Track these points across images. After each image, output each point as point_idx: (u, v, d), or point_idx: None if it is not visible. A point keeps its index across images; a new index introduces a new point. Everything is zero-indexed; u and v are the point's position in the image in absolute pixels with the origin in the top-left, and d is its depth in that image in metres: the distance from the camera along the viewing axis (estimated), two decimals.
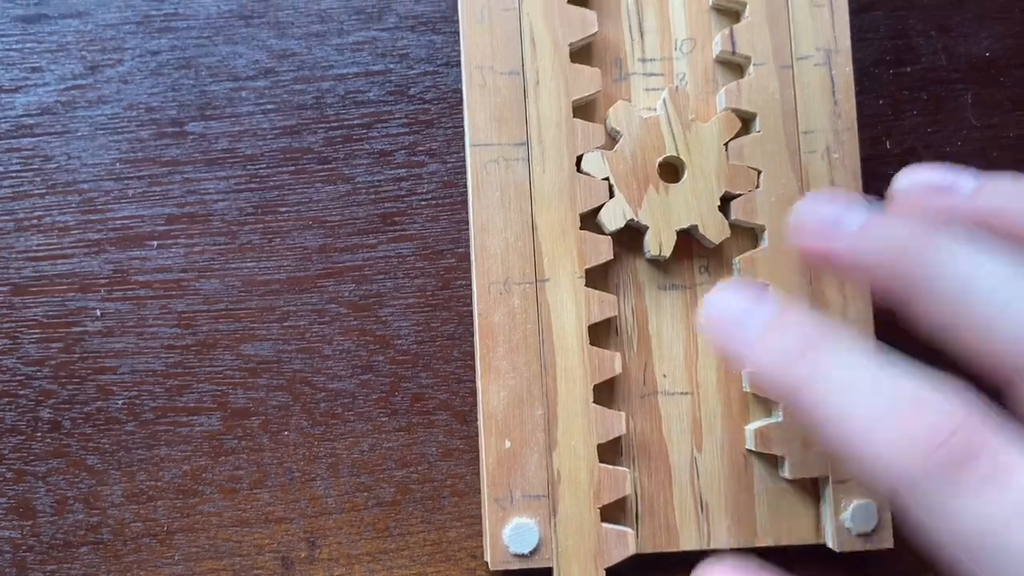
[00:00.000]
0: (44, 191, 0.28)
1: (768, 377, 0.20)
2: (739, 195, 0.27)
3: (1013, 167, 0.30)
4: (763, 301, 0.21)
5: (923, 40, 0.30)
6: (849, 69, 0.28)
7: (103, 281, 0.28)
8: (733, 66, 0.29)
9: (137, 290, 0.28)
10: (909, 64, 0.30)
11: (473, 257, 0.27)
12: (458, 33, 0.28)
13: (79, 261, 0.28)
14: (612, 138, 0.28)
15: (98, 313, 0.28)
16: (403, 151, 0.29)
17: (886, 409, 0.18)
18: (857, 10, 0.30)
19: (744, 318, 0.21)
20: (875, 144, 0.30)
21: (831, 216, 0.21)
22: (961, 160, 0.30)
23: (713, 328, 0.22)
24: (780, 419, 0.27)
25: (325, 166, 0.29)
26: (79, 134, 0.28)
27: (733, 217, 0.27)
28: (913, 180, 0.23)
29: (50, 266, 0.28)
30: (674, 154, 0.27)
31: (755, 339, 0.21)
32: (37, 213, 0.28)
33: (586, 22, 0.28)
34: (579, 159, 0.27)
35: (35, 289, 0.28)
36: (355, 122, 0.29)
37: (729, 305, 0.21)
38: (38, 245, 0.28)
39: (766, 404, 0.27)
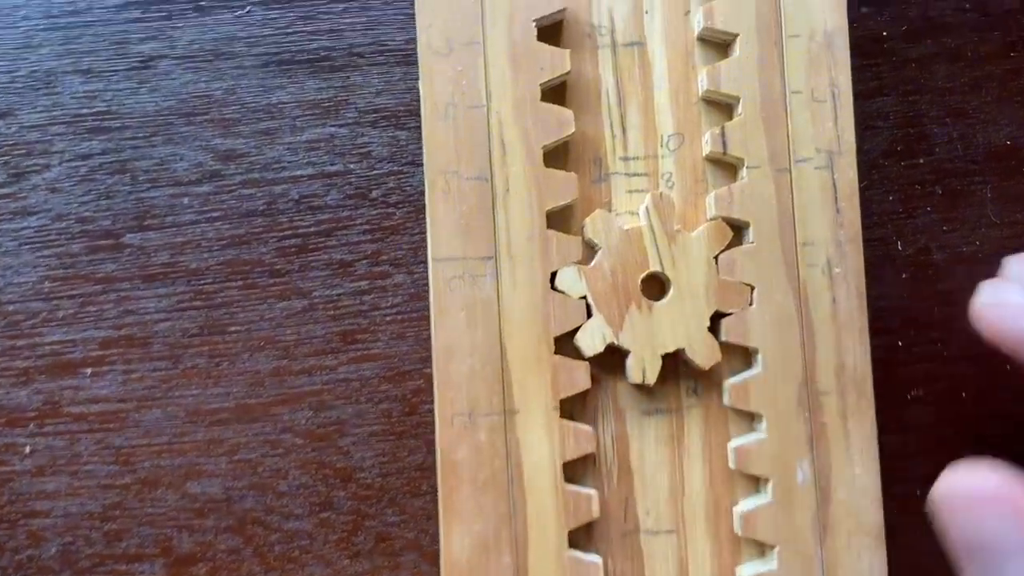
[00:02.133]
0: None
1: None
2: (730, 313, 0.25)
3: None
4: None
5: (937, 128, 0.27)
6: (853, 173, 0.25)
7: (32, 414, 0.25)
8: (725, 165, 0.26)
9: (70, 423, 0.25)
10: (922, 155, 0.27)
11: (435, 385, 0.24)
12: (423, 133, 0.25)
13: (5, 392, 0.25)
14: (590, 250, 0.25)
15: (27, 450, 0.25)
16: (365, 261, 0.26)
17: None
18: (864, 95, 0.27)
19: None
20: (883, 245, 0.27)
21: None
22: (980, 260, 0.27)
23: (991, 316, 0.21)
24: (775, 567, 0.24)
25: (278, 280, 0.26)
26: (2, 250, 0.26)
27: (723, 337, 0.25)
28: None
29: None
30: (658, 269, 0.25)
31: None
32: None
33: (562, 121, 0.25)
34: (553, 275, 0.25)
35: None
36: (311, 230, 0.26)
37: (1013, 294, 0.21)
38: None
39: (759, 547, 0.25)
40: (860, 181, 0.26)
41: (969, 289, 0.26)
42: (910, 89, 0.27)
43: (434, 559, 0.26)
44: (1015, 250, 0.27)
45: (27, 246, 0.26)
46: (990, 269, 0.27)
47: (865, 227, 0.27)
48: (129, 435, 0.25)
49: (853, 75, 0.27)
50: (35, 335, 0.26)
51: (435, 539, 0.26)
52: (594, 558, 0.24)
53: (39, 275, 0.26)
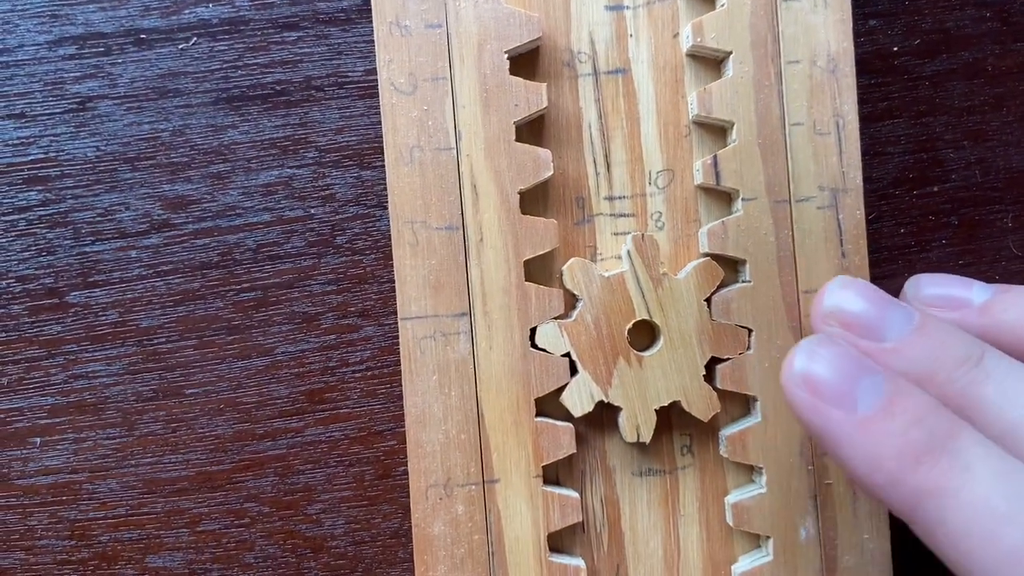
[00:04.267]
0: None
1: (869, 485, 0.17)
2: (727, 359, 0.23)
3: None
4: (870, 371, 0.18)
5: (953, 152, 0.25)
6: (860, 212, 0.22)
7: None
8: (719, 200, 0.24)
9: (20, 497, 0.24)
10: (936, 182, 0.25)
11: (408, 456, 0.22)
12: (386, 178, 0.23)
13: None
14: (572, 301, 0.23)
15: None
16: (331, 313, 0.24)
17: None
18: (873, 118, 0.25)
19: (842, 390, 0.18)
20: (894, 283, 0.25)
21: (865, 318, 0.19)
22: None
23: (796, 394, 0.18)
24: None
25: (236, 337, 0.24)
26: None
27: (719, 385, 0.23)
28: (923, 292, 0.22)
29: None
30: (645, 317, 0.23)
31: (855, 430, 0.17)
32: None
33: (539, 163, 0.22)
34: (533, 331, 0.23)
35: None
36: (270, 281, 0.24)
37: (823, 365, 0.18)
38: None
39: None
40: (868, 213, 0.24)
41: None
42: (923, 110, 0.25)
43: None
44: None
45: None
46: None
47: (874, 263, 0.25)
48: (83, 508, 0.24)
49: (860, 96, 0.24)
50: None
51: None
52: None
53: None
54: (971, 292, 0.22)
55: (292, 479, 0.24)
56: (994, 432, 0.18)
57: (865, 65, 0.25)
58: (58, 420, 0.24)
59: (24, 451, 0.24)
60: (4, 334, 0.24)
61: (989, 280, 0.25)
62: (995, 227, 0.25)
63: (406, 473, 0.24)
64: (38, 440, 0.24)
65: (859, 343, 0.19)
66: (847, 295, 0.20)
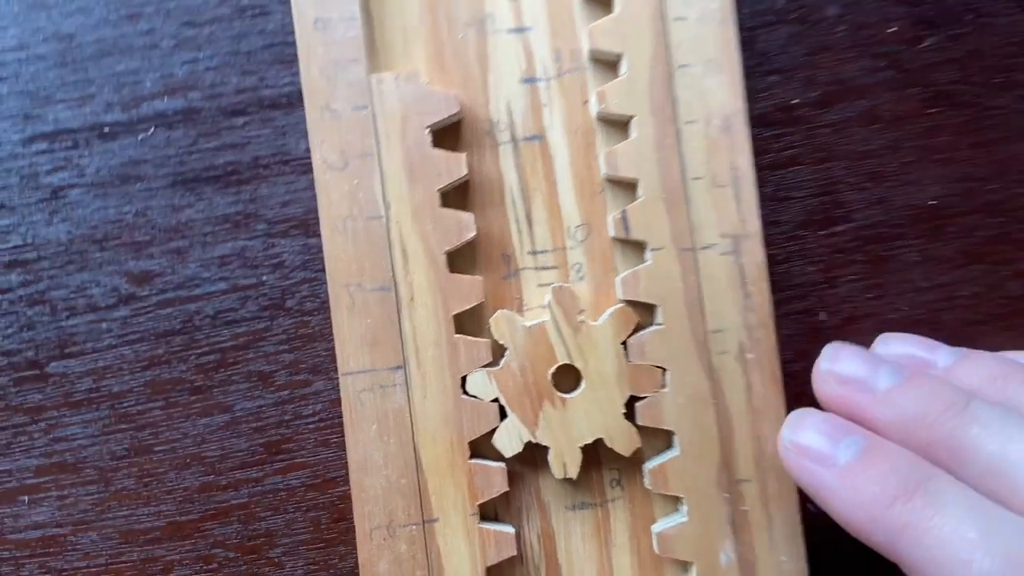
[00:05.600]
0: None
1: (855, 528, 0.20)
2: (644, 397, 0.24)
3: (968, 332, 0.26)
4: (848, 432, 0.21)
5: (855, 194, 0.27)
6: (761, 255, 0.24)
7: None
8: (633, 250, 0.25)
9: (13, 551, 0.26)
10: (841, 222, 0.27)
11: (353, 500, 0.24)
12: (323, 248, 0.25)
13: None
14: (499, 350, 0.25)
15: None
16: (284, 371, 0.26)
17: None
18: (776, 166, 0.26)
19: (825, 450, 0.21)
20: (807, 317, 0.26)
21: (857, 375, 0.22)
22: (909, 326, 0.26)
23: (788, 458, 0.22)
24: None
25: (198, 396, 0.26)
26: None
27: (639, 421, 0.24)
28: (891, 350, 0.24)
29: None
30: (567, 362, 0.25)
31: (837, 481, 0.20)
32: None
33: (462, 225, 0.25)
34: (464, 380, 0.25)
35: None
36: (228, 344, 0.26)
37: (807, 432, 0.22)
38: None
39: None
40: (777, 255, 0.26)
41: None
42: (824, 156, 0.27)
43: None
44: (944, 313, 0.26)
45: None
46: (921, 334, 0.26)
47: (787, 300, 0.26)
48: (69, 558, 0.26)
49: (764, 147, 0.26)
50: None
51: None
52: None
53: None
54: (936, 355, 0.24)
55: (254, 525, 0.26)
56: (979, 470, 0.20)
57: (767, 118, 0.26)
58: (43, 479, 0.26)
59: (14, 508, 0.26)
60: None
61: (898, 312, 0.26)
62: (900, 261, 0.26)
63: None
64: (26, 498, 0.26)
65: (854, 396, 0.22)
66: (841, 356, 0.22)
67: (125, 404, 0.26)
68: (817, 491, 0.21)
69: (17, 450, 0.26)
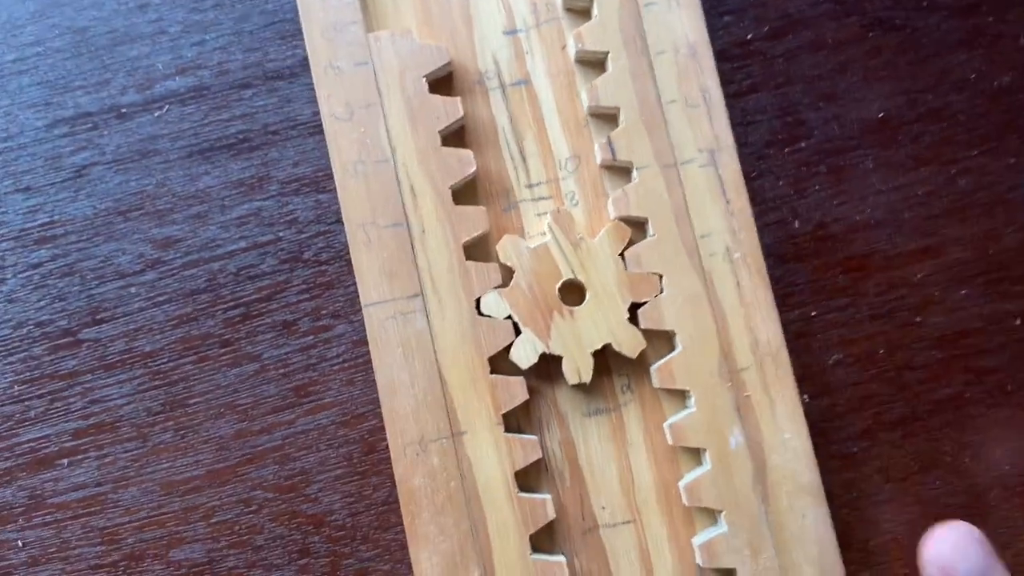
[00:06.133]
0: None
1: None
2: (644, 302, 0.27)
3: (927, 226, 0.29)
4: None
5: (812, 113, 0.29)
6: (736, 165, 0.27)
7: (19, 510, 0.27)
8: (620, 174, 0.28)
9: (55, 513, 0.27)
10: (803, 139, 0.29)
11: (385, 420, 0.26)
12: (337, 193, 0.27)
13: None
14: (508, 273, 0.27)
15: (20, 544, 0.27)
16: (307, 318, 0.28)
17: None
18: (741, 95, 0.29)
19: None
20: (782, 226, 0.29)
21: None
22: (874, 226, 0.29)
23: None
24: (725, 529, 0.26)
25: (228, 348, 0.28)
26: None
27: (642, 325, 0.27)
28: None
29: None
30: (571, 276, 0.27)
31: None
32: None
33: (464, 162, 0.27)
34: (478, 302, 0.27)
35: None
36: (252, 297, 0.28)
37: None
38: None
39: (710, 514, 0.26)
40: (750, 172, 0.29)
41: (868, 254, 0.29)
42: (781, 82, 0.29)
43: None
44: (904, 211, 0.29)
45: None
46: (885, 232, 0.29)
47: (761, 212, 0.29)
48: (111, 515, 0.27)
49: (726, 78, 0.29)
50: (12, 436, 0.27)
51: (410, 567, 0.27)
52: (558, 558, 0.26)
53: (8, 381, 0.28)
54: None
55: (290, 465, 0.27)
56: None
57: (726, 53, 0.29)
58: (81, 442, 0.27)
59: (55, 472, 0.27)
60: (28, 372, 0.28)
61: (863, 214, 0.29)
62: (859, 169, 0.29)
63: (388, 447, 0.27)
64: (66, 461, 0.27)
65: None
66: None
67: (158, 362, 0.28)
68: None
69: (55, 415, 0.27)
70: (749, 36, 0.30)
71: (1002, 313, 0.29)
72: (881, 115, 0.29)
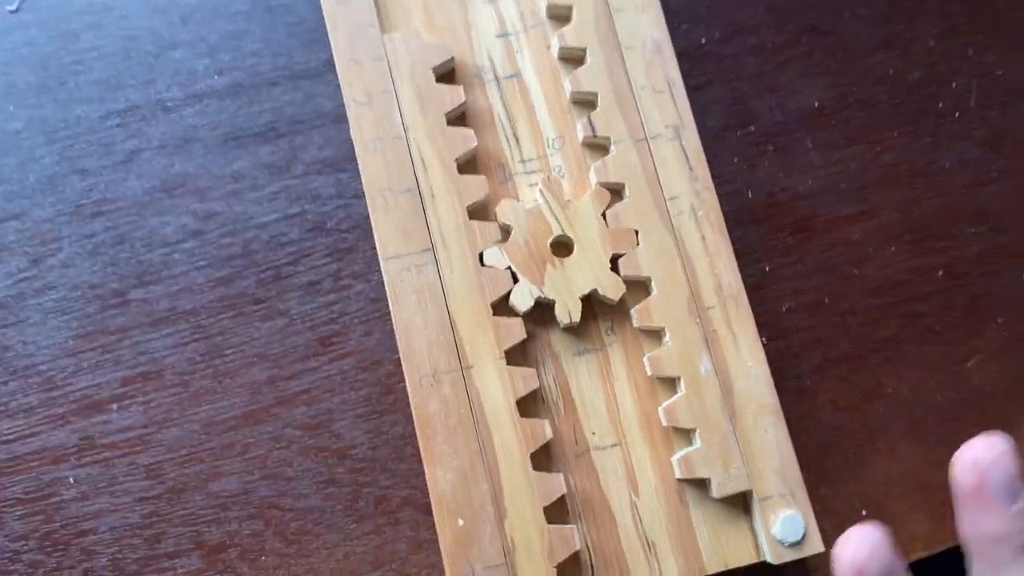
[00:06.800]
0: (7, 378, 0.31)
1: None
2: (624, 254, 0.31)
3: (862, 193, 0.34)
4: None
5: (759, 102, 0.35)
6: (696, 140, 0.32)
7: (72, 450, 0.30)
8: (599, 150, 0.33)
9: (104, 452, 0.30)
10: (752, 124, 0.35)
11: (402, 357, 0.30)
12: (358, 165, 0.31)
13: (47, 436, 0.30)
14: (506, 231, 0.31)
15: (71, 480, 0.30)
16: (329, 279, 0.32)
17: None
18: (698, 88, 0.35)
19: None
20: (738, 196, 0.34)
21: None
22: (815, 195, 0.34)
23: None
24: (699, 445, 0.30)
25: (261, 305, 0.32)
26: (31, 321, 0.31)
27: (623, 273, 0.31)
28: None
29: (21, 445, 0.30)
30: (561, 233, 0.31)
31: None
32: (3, 400, 0.30)
33: (466, 139, 0.32)
34: (481, 255, 0.31)
35: (10, 470, 0.30)
36: (282, 261, 0.32)
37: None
38: (8, 429, 0.30)
39: (686, 435, 0.30)
40: (707, 150, 0.34)
41: (811, 217, 0.33)
42: (731, 77, 0.35)
43: (427, 510, 0.30)
44: (841, 182, 0.34)
45: (51, 315, 0.31)
46: (825, 199, 0.34)
47: (720, 184, 0.34)
48: (155, 453, 0.30)
49: (686, 74, 0.34)
50: (67, 385, 0.31)
51: (425, 493, 0.30)
52: (556, 474, 0.29)
53: (64, 336, 0.31)
54: None
55: (316, 406, 0.31)
56: None
57: (685, 54, 0.35)
58: (129, 388, 0.31)
59: (105, 416, 0.30)
60: (81, 329, 0.31)
61: (805, 186, 0.34)
62: (800, 148, 0.34)
63: (403, 389, 0.31)
64: (115, 407, 0.31)
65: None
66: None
67: (199, 317, 0.31)
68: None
69: (106, 365, 0.31)
70: (703, 40, 0.35)
71: (927, 266, 0.34)
72: (816, 104, 0.35)
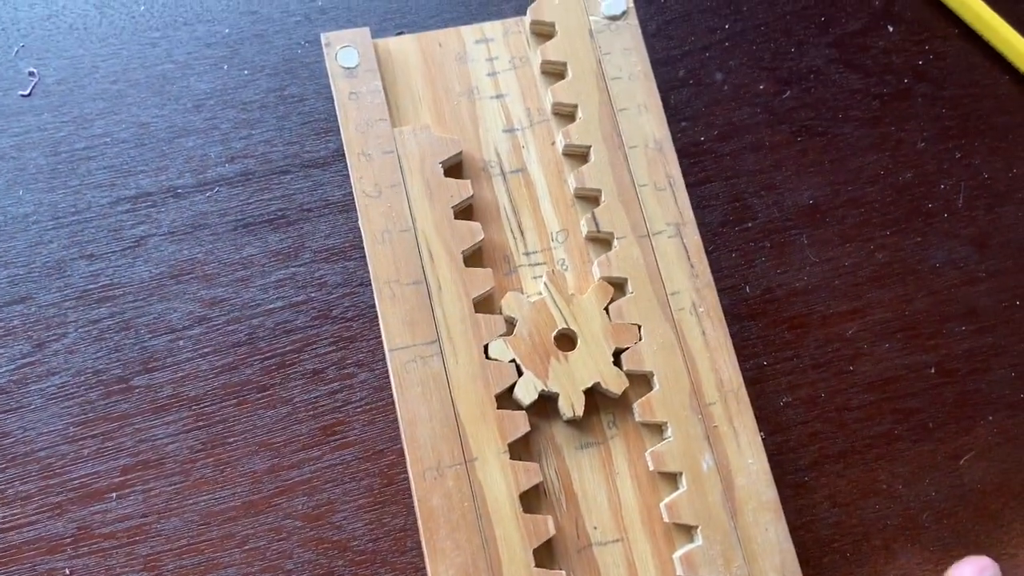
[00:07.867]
0: (4, 465, 0.30)
1: None
2: (626, 348, 0.32)
3: (855, 291, 0.35)
4: None
5: (756, 200, 0.36)
6: (697, 237, 0.33)
7: (68, 540, 0.30)
8: (601, 244, 0.33)
9: (101, 542, 0.30)
10: (749, 220, 0.35)
11: (405, 448, 0.30)
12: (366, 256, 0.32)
13: (43, 525, 0.30)
14: (511, 324, 0.32)
15: (67, 572, 0.29)
16: (333, 367, 0.32)
17: None
18: (697, 184, 0.36)
19: None
20: (736, 291, 0.35)
21: None
22: (811, 291, 0.35)
23: None
24: (701, 542, 0.30)
25: (264, 393, 0.32)
26: (32, 407, 0.31)
27: (625, 367, 0.31)
28: None
29: (17, 535, 0.30)
30: (565, 326, 0.32)
31: None
32: (0, 487, 0.30)
33: (473, 232, 0.32)
34: (486, 347, 0.31)
35: (5, 559, 0.29)
36: (287, 349, 0.32)
37: None
38: (4, 517, 0.30)
39: (687, 532, 0.31)
40: (706, 245, 0.35)
41: (807, 314, 0.34)
42: (730, 175, 0.36)
43: None
44: (834, 279, 0.35)
45: (52, 400, 0.31)
46: (820, 296, 0.35)
47: (718, 279, 0.34)
48: (153, 544, 0.30)
49: (686, 171, 0.35)
50: (65, 473, 0.30)
51: None
52: (559, 572, 0.29)
53: (64, 423, 0.31)
54: None
55: (317, 496, 0.31)
56: None
57: (685, 151, 0.36)
58: (129, 477, 0.31)
59: (104, 505, 0.30)
60: (84, 416, 0.31)
61: (801, 282, 0.35)
62: (796, 245, 0.35)
63: (405, 479, 0.31)
64: (114, 495, 0.30)
65: None
66: None
67: (202, 405, 0.31)
68: None
69: (107, 452, 0.31)
70: (702, 139, 0.36)
71: (920, 363, 0.34)
72: (811, 202, 0.36)
